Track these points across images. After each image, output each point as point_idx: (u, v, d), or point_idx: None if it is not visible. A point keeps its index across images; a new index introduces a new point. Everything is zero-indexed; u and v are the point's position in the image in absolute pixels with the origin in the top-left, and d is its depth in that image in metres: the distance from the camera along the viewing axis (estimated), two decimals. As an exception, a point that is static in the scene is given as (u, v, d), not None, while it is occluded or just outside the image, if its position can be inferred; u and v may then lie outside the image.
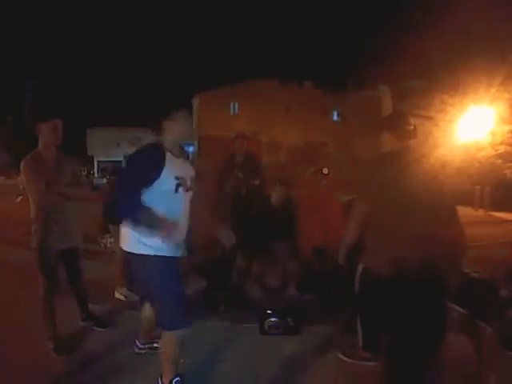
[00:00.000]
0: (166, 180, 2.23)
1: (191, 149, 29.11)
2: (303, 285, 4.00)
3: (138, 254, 2.28)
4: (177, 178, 2.25)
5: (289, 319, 3.32)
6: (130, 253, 2.34)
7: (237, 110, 29.29)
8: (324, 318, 3.56)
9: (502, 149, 14.74)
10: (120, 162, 25.70)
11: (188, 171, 2.42)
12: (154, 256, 2.25)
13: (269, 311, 3.33)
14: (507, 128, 14.57)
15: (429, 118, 15.97)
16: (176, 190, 2.26)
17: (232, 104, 29.34)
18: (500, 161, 14.80)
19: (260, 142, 22.94)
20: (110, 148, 35.49)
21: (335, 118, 30.36)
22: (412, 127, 2.46)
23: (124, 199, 2.19)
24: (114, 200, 2.35)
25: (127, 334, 3.18)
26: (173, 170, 2.26)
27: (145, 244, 2.24)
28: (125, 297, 3.97)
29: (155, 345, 2.84)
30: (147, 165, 2.24)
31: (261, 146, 22.86)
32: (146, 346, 2.93)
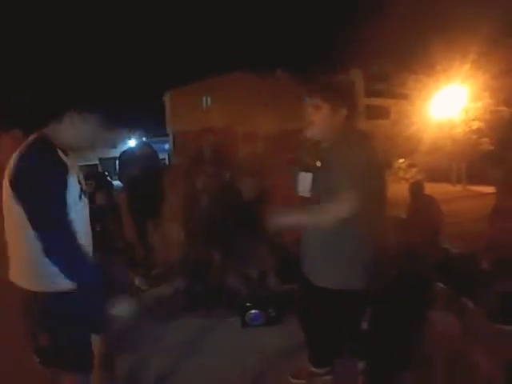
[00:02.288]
0: (71, 188, 1.71)
1: (167, 146, 28.83)
2: (283, 274, 3.99)
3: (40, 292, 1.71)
4: (79, 182, 1.78)
5: (270, 310, 3.31)
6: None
7: (210, 104, 29.04)
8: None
9: (475, 125, 15.05)
10: (95, 165, 25.15)
11: (78, 169, 1.87)
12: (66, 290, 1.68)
13: (248, 304, 3.32)
14: (480, 104, 14.87)
15: (403, 98, 16.13)
16: (80, 197, 1.77)
17: (204, 98, 29.05)
18: (475, 136, 15.11)
19: (235, 134, 22.84)
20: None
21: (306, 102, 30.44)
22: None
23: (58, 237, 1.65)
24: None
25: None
26: (73, 173, 1.74)
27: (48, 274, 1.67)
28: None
29: None
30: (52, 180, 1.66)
31: (236, 137, 22.76)
32: None
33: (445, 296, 3.36)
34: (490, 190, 11.91)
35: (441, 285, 3.51)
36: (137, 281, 4.32)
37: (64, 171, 1.69)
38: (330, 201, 1.80)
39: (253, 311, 3.31)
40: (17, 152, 1.72)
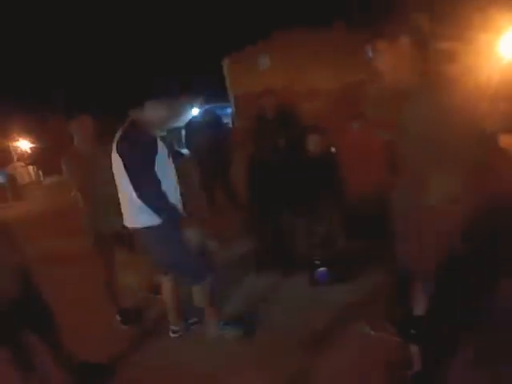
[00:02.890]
0: (160, 155, 2.45)
1: (229, 110, 28.98)
2: (351, 231, 3.95)
3: (146, 227, 2.52)
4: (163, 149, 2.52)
5: (337, 267, 3.33)
6: (137, 228, 2.60)
7: (268, 64, 28.52)
8: (373, 263, 3.52)
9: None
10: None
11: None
12: (162, 223, 2.47)
13: (317, 261, 3.35)
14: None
15: (470, 40, 14.74)
16: (168, 156, 2.57)
17: (262, 59, 28.57)
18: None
19: (295, 92, 22.36)
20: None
21: (370, 54, 28.84)
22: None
23: (148, 187, 2.39)
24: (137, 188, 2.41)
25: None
26: (160, 144, 2.48)
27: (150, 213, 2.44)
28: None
29: (191, 321, 3.07)
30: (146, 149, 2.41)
31: (296, 95, 22.31)
32: (182, 326, 3.04)
33: None
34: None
35: None
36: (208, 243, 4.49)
37: (154, 143, 2.43)
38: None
39: (321, 269, 3.34)
40: (120, 132, 2.49)
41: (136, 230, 2.63)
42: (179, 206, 2.61)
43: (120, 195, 2.60)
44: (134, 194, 2.40)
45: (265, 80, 21.27)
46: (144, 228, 2.54)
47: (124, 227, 3.31)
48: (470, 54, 2.30)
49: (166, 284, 2.90)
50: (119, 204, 2.72)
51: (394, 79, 1.81)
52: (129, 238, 3.45)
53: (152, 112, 2.48)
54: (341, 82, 25.25)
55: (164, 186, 2.43)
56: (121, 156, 2.39)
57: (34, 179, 26.67)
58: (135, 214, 2.54)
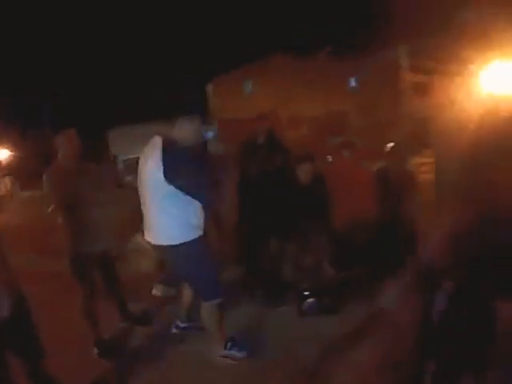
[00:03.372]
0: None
1: (210, 134, 29.11)
2: (339, 261, 3.90)
3: (182, 243, 2.53)
4: None
5: (326, 299, 3.26)
6: (170, 246, 2.56)
7: (252, 89, 28.94)
8: (362, 294, 3.47)
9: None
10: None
11: None
12: (198, 237, 2.58)
13: (306, 292, 3.28)
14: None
15: (448, 74, 15.31)
16: None
17: (246, 84, 29.00)
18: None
19: (279, 118, 22.67)
20: (132, 145, 35.75)
21: (353, 84, 29.58)
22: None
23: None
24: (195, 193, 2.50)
25: (167, 329, 3.20)
26: None
27: (191, 228, 2.56)
28: (162, 292, 3.99)
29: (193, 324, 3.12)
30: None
31: (281, 122, 22.59)
32: (187, 325, 3.16)
33: None
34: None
35: None
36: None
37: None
38: None
39: (309, 300, 3.27)
40: (158, 149, 2.48)
41: (165, 248, 2.62)
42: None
43: (151, 212, 2.62)
44: (173, 210, 2.48)
45: (249, 106, 21.52)
46: (178, 245, 2.54)
47: (107, 250, 3.19)
48: (449, 86, 2.36)
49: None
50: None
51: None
52: (111, 262, 3.33)
53: (183, 129, 2.57)
54: (325, 110, 25.78)
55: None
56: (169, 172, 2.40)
57: (10, 191, 25.81)
58: (170, 230, 2.55)
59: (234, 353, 2.80)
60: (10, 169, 27.54)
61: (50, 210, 3.10)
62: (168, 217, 2.53)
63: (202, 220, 2.63)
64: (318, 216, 3.87)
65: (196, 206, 2.56)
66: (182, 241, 2.53)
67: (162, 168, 2.39)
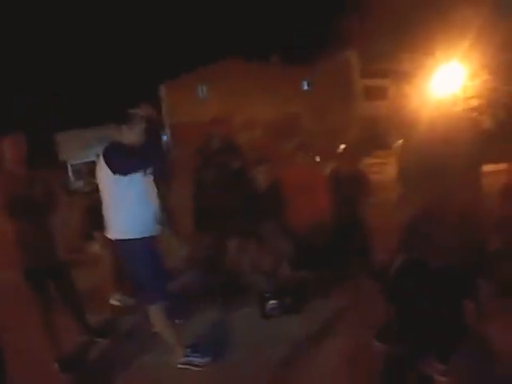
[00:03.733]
0: None
1: (164, 137, 28.67)
2: (297, 262, 3.97)
3: (129, 239, 2.57)
4: None
5: (287, 299, 3.30)
6: (122, 240, 2.61)
7: (206, 94, 28.82)
8: (322, 294, 3.56)
9: (475, 102, 14.88)
10: (93, 162, 25.14)
11: None
12: (147, 237, 2.61)
13: (267, 294, 3.30)
14: (478, 82, 14.71)
15: (400, 78, 15.99)
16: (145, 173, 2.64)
17: (200, 88, 28.83)
18: (475, 113, 14.97)
19: (233, 122, 22.68)
20: (82, 150, 34.36)
21: (305, 87, 30.19)
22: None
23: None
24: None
25: (128, 340, 3.13)
26: None
27: (140, 225, 2.59)
28: (120, 302, 3.88)
29: None
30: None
31: (235, 125, 22.62)
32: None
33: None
34: (491, 168, 11.94)
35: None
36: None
37: None
38: None
39: (271, 301, 3.29)
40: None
41: (117, 242, 2.65)
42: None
43: (108, 209, 2.63)
44: (125, 205, 2.54)
45: (203, 110, 21.41)
46: (127, 239, 2.59)
47: (60, 260, 3.06)
48: (401, 90, 2.51)
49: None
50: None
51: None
52: (66, 273, 3.20)
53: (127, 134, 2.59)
54: (278, 113, 26.14)
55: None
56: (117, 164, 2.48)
57: None
58: (122, 225, 2.60)
59: (196, 359, 2.75)
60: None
61: None
62: (121, 211, 2.58)
63: (151, 221, 2.65)
64: (275, 218, 3.92)
65: (147, 206, 2.64)
66: (130, 236, 2.57)
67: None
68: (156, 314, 2.73)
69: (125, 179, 2.50)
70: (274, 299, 3.28)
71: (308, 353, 2.80)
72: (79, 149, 34.80)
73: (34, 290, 2.90)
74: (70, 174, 35.59)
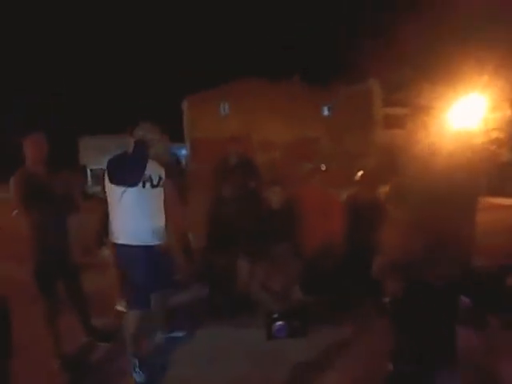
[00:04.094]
0: None
1: (183, 152, 29.00)
2: (307, 286, 3.93)
3: (121, 244, 2.72)
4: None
5: (295, 322, 3.26)
6: (114, 243, 2.74)
7: (227, 111, 29.18)
8: (330, 319, 3.51)
9: (495, 134, 14.75)
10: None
11: (154, 170, 2.82)
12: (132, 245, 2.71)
13: (274, 315, 3.27)
14: (499, 114, 14.62)
15: (420, 108, 15.89)
16: (143, 186, 2.72)
17: (222, 105, 29.22)
18: (494, 147, 14.82)
19: (252, 142, 22.89)
20: (102, 156, 34.89)
21: (326, 112, 30.37)
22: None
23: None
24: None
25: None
26: None
27: (126, 233, 2.71)
28: (125, 308, 3.88)
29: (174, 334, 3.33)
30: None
31: (253, 145, 22.81)
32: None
33: (468, 310, 3.30)
34: (510, 202, 11.75)
35: (465, 298, 3.45)
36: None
37: None
38: None
39: (278, 323, 3.26)
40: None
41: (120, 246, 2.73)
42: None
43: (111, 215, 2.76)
44: (120, 211, 2.70)
45: (223, 126, 21.72)
46: (118, 244, 2.73)
47: (71, 260, 3.12)
48: (420, 120, 2.51)
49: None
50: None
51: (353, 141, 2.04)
52: (76, 274, 3.24)
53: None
54: (297, 136, 26.29)
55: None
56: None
57: None
58: (116, 228, 2.73)
59: (136, 375, 2.79)
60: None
61: (14, 213, 3.01)
62: (117, 216, 2.73)
63: (150, 231, 2.75)
64: (287, 239, 3.91)
65: (146, 216, 2.75)
66: (120, 241, 2.72)
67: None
68: (132, 320, 2.82)
69: (121, 188, 2.65)
70: (281, 320, 3.24)
71: (310, 378, 2.75)
72: (99, 154, 35.42)
73: (42, 287, 2.94)
74: (89, 178, 36.23)
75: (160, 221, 2.86)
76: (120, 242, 2.73)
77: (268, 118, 26.82)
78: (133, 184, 2.65)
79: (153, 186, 2.79)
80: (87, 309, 3.34)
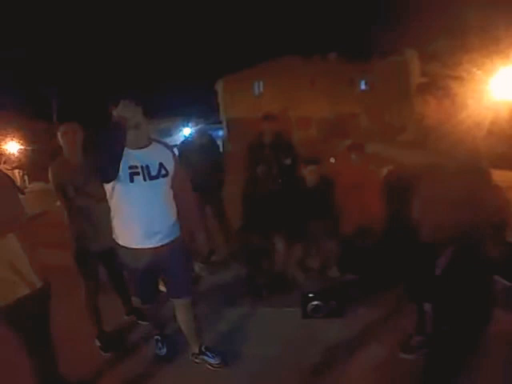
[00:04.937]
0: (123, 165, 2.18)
1: (220, 133, 29.10)
2: (345, 265, 3.87)
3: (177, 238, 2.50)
4: (130, 168, 2.26)
5: (331, 302, 3.23)
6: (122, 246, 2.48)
7: (262, 90, 28.89)
8: (367, 299, 3.45)
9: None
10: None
11: (151, 157, 2.36)
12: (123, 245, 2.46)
13: (311, 294, 3.25)
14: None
15: (459, 79, 15.05)
16: (131, 180, 2.27)
17: (257, 84, 28.93)
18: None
19: (289, 119, 22.61)
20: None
21: (363, 87, 29.43)
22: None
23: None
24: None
25: (168, 326, 3.19)
26: (126, 161, 2.21)
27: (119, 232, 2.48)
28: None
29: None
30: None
31: (290, 122, 22.54)
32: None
33: (506, 292, 3.19)
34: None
35: (503, 280, 3.30)
36: (196, 267, 4.35)
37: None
38: None
39: (314, 302, 3.23)
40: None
41: (162, 247, 2.43)
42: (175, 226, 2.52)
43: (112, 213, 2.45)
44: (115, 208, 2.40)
45: (259, 106, 21.50)
46: (175, 240, 2.50)
47: (112, 247, 3.19)
48: (461, 91, 2.35)
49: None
50: (105, 220, 2.55)
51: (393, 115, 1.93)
52: (113, 253, 3.33)
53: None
54: (334, 112, 25.69)
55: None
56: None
57: (18, 184, 25.63)
58: (169, 225, 2.46)
59: (158, 350, 2.92)
60: (19, 162, 27.51)
61: (58, 203, 3.10)
62: (113, 215, 2.47)
63: (153, 230, 2.38)
64: (324, 218, 3.85)
65: (127, 215, 2.38)
66: (119, 242, 2.48)
67: None
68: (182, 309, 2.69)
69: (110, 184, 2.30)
70: (317, 300, 3.22)
71: (342, 359, 2.74)
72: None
73: (83, 273, 3.04)
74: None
75: (165, 218, 2.44)
76: (119, 242, 2.48)
77: (304, 95, 26.31)
78: (107, 180, 2.22)
79: (151, 178, 2.32)
80: (127, 288, 3.44)
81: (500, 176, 2.23)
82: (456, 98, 2.22)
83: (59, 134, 2.99)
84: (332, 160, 3.99)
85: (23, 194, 2.36)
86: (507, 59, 13.23)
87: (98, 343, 3.08)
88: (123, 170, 2.20)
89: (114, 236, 2.49)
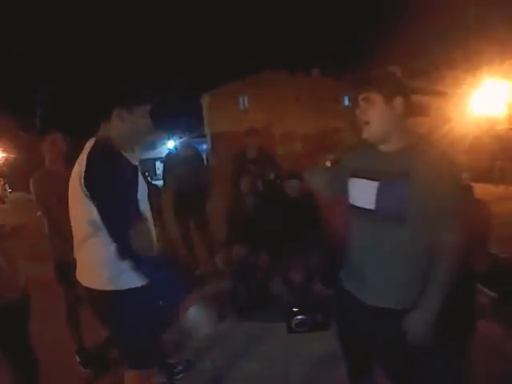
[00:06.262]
0: (140, 187, 1.78)
1: (205, 146, 29.14)
2: (329, 278, 3.88)
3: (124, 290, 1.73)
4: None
5: (316, 316, 3.22)
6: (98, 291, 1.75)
7: (247, 104, 29.10)
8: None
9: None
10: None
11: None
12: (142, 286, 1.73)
13: (295, 309, 3.24)
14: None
15: (441, 94, 15.48)
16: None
17: (241, 98, 29.14)
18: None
19: (273, 135, 22.78)
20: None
21: (347, 103, 29.94)
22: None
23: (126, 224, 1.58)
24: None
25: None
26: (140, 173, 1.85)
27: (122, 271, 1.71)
28: None
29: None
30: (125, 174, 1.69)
31: (274, 138, 22.71)
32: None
33: (492, 303, 3.20)
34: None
35: (488, 292, 3.35)
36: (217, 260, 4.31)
37: (134, 173, 1.76)
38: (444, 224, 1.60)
39: (299, 317, 3.23)
40: (84, 157, 1.70)
41: (103, 294, 1.74)
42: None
43: (82, 244, 1.80)
44: (96, 238, 1.71)
45: (243, 120, 21.62)
46: (119, 291, 1.72)
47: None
48: (442, 107, 2.41)
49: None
50: None
51: (379, 132, 1.66)
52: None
53: (121, 124, 1.78)
54: (318, 127, 26.00)
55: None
56: (94, 182, 1.64)
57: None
58: (94, 268, 1.76)
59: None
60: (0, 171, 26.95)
61: (38, 214, 3.05)
62: (91, 246, 1.76)
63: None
64: (308, 232, 3.86)
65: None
66: (125, 286, 1.72)
67: (83, 173, 1.65)
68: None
69: None
70: (302, 314, 3.21)
71: (332, 371, 2.70)
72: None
73: (63, 284, 2.98)
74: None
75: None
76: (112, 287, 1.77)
77: (288, 110, 26.59)
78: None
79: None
80: None
81: (479, 189, 2.27)
82: (435, 114, 2.23)
83: (43, 144, 2.97)
84: (328, 164, 4.03)
85: (3, 203, 2.31)
86: (489, 73, 13.66)
87: (77, 358, 3.01)
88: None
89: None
